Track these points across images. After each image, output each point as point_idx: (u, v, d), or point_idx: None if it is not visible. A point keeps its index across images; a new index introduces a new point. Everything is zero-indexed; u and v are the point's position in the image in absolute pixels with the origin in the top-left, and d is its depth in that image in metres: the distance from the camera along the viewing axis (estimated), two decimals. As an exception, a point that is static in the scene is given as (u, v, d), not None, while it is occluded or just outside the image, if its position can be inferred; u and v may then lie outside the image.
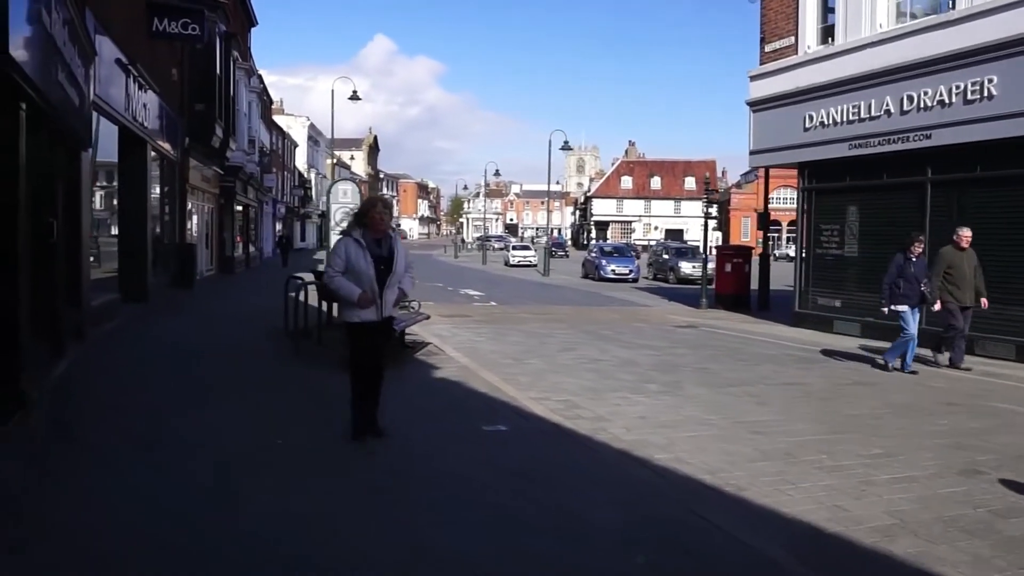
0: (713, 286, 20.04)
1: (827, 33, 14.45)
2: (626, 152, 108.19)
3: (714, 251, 20.57)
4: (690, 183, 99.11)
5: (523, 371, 9.10)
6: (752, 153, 16.27)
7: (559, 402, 7.34)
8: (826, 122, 14.07)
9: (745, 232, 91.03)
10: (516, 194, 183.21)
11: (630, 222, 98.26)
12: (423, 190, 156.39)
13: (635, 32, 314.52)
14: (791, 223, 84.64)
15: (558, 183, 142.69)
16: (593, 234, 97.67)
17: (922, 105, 12.19)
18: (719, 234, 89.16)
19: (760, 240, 21.58)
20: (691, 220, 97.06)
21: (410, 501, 4.48)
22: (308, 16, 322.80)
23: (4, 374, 5.75)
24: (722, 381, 8.80)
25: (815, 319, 14.72)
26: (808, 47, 14.70)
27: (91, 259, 11.02)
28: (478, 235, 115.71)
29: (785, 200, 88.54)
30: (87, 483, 4.70)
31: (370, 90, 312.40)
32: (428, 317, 10.78)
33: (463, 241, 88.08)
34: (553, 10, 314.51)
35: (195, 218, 23.56)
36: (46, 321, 8.01)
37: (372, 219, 5.66)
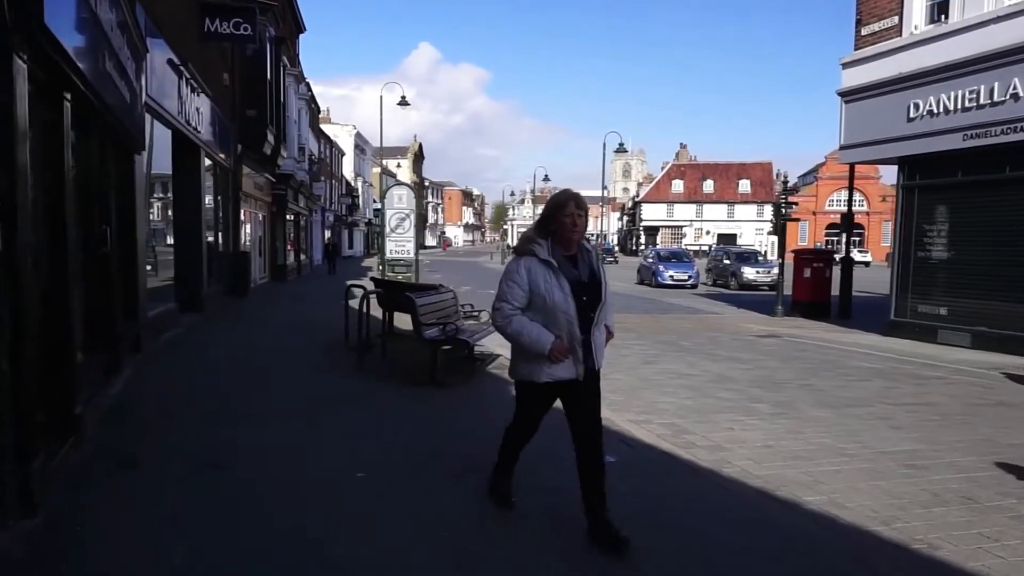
0: (790, 293, 18.82)
1: (938, 10, 13.24)
2: (677, 155, 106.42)
3: (791, 255, 19.32)
4: (744, 186, 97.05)
5: (611, 387, 8.17)
6: (843, 148, 15.08)
7: (663, 426, 6.41)
8: (935, 111, 12.87)
9: (803, 236, 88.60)
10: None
11: (681, 227, 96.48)
12: (467, 197, 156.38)
13: (680, 35, 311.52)
14: (855, 225, 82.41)
15: (606, 188, 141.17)
16: (642, 240, 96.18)
17: (1053, 87, 10.97)
18: (775, 238, 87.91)
19: (834, 244, 20.27)
20: (745, 224, 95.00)
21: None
22: (352, 26, 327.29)
23: (55, 397, 5.06)
24: (837, 400, 7.76)
25: (915, 328, 13.50)
26: (915, 27, 13.50)
27: (148, 268, 10.46)
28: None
29: (845, 202, 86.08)
30: (144, 524, 3.95)
31: (415, 99, 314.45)
32: (500, 328, 9.99)
33: (508, 247, 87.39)
34: (596, 15, 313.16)
35: (248, 226, 23.17)
36: (102, 335, 7.38)
37: (562, 225, 3.83)
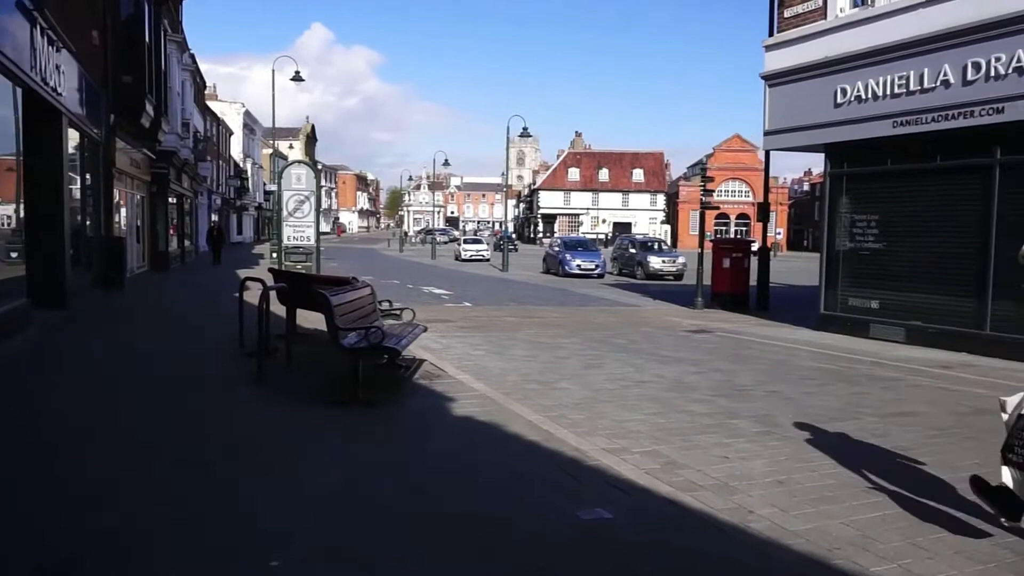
0: (695, 282, 18.23)
1: (865, -8, 12.75)
2: (572, 143, 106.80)
3: (709, 244, 18.77)
4: (638, 175, 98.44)
5: (562, 401, 7.02)
6: (767, 134, 14.47)
7: (647, 456, 5.29)
8: (863, 96, 12.34)
9: (693, 226, 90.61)
10: (457, 187, 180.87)
11: (577, 215, 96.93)
12: (362, 182, 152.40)
13: (575, 23, 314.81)
14: (740, 216, 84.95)
15: (502, 175, 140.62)
16: (540, 227, 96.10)
17: (992, 73, 10.51)
18: (667, 227, 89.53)
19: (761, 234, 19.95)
20: (639, 213, 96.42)
21: None
22: (241, 1, 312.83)
23: None
24: (816, 412, 6.88)
25: (846, 322, 13.03)
26: (841, 9, 12.95)
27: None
28: (419, 228, 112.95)
29: (733, 193, 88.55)
30: None
31: (308, 80, 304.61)
32: (426, 329, 8.62)
33: (406, 235, 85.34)
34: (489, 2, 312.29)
35: (124, 209, 20.71)
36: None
37: None
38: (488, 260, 41.90)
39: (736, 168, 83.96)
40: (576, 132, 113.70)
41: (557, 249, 33.40)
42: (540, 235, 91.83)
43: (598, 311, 16.61)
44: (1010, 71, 10.33)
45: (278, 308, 9.48)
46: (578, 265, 30.75)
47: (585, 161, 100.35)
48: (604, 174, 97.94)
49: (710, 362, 9.75)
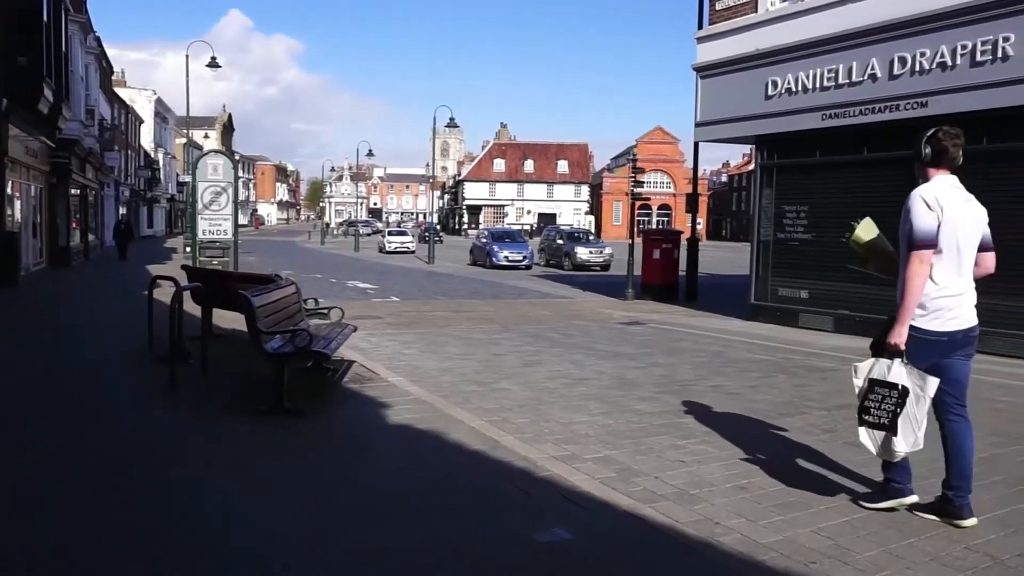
0: (623, 273, 18.19)
1: (794, -12, 12.77)
2: (497, 134, 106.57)
3: (640, 235, 18.73)
4: (563, 166, 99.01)
5: (504, 404, 6.65)
6: (699, 125, 14.42)
7: (600, 463, 4.97)
8: (794, 89, 12.37)
9: (617, 216, 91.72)
10: (380, 178, 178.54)
11: (503, 206, 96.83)
12: (282, 173, 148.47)
13: (499, 13, 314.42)
14: (662, 207, 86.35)
15: (427, 166, 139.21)
16: (465, 219, 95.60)
17: (917, 68, 10.65)
18: (592, 218, 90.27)
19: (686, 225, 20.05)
20: (564, 204, 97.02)
21: None
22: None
23: None
24: (767, 409, 6.71)
25: (776, 312, 13.11)
26: (772, 3, 12.96)
27: None
28: (341, 220, 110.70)
29: (655, 184, 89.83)
30: None
31: (225, 68, 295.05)
32: (356, 329, 8.11)
33: (327, 226, 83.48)
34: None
35: (19, 201, 19.29)
36: None
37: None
38: (413, 252, 41.23)
39: (658, 160, 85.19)
40: (501, 123, 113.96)
41: (484, 240, 33.06)
42: (465, 226, 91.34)
43: (530, 304, 16.34)
44: (934, 66, 10.46)
45: (193, 307, 8.82)
46: (506, 256, 30.51)
47: (510, 152, 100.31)
48: (529, 165, 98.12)
49: (648, 356, 9.55)
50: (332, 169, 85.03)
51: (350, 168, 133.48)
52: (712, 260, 33.06)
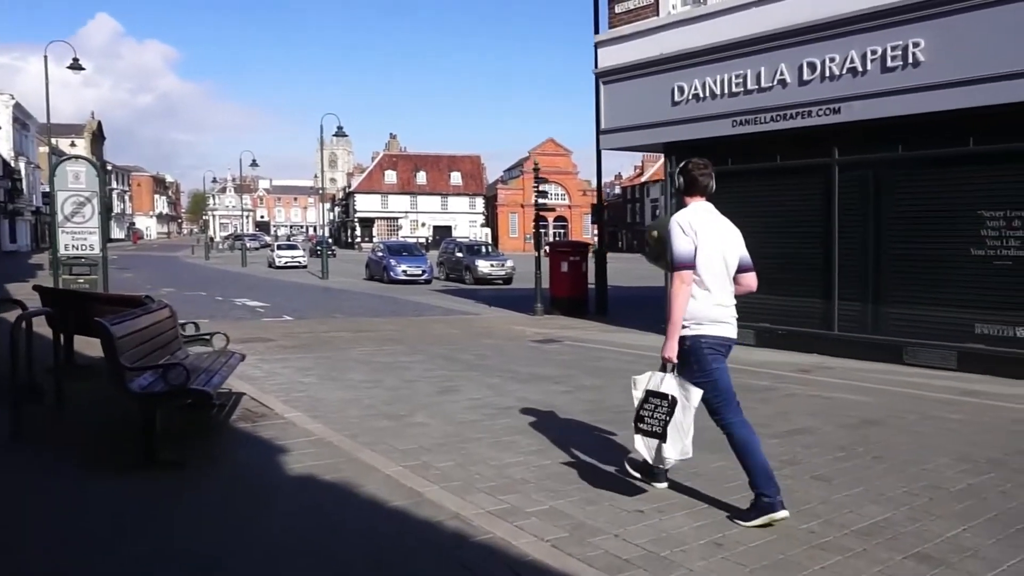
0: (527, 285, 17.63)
1: (695, -10, 12.50)
2: (387, 145, 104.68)
3: (547, 248, 18.18)
4: (456, 178, 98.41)
5: (422, 443, 5.78)
6: (603, 133, 13.97)
7: (544, 517, 4.18)
8: (702, 95, 12.06)
9: (513, 229, 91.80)
10: (266, 189, 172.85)
11: (396, 218, 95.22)
12: (160, 184, 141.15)
13: (387, 20, 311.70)
14: (558, 219, 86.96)
15: (315, 177, 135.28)
16: (358, 232, 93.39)
17: (828, 74, 10.48)
18: (488, 230, 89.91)
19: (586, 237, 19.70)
20: (459, 216, 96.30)
21: None
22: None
23: None
24: (718, 439, 6.11)
25: (691, 324, 12.73)
26: (673, 6, 12.64)
27: None
28: (227, 234, 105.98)
29: (550, 196, 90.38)
30: None
31: (93, 74, 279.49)
32: (244, 358, 7.03)
33: (212, 240, 79.63)
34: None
35: None
36: None
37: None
38: (306, 267, 39.52)
39: (551, 171, 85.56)
40: (391, 134, 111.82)
41: (381, 254, 31.92)
42: (358, 239, 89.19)
43: (436, 321, 15.45)
44: (844, 72, 10.32)
45: (49, 333, 7.50)
46: (404, 271, 29.52)
47: (402, 164, 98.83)
48: (422, 177, 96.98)
49: (572, 378, 8.88)
50: (214, 180, 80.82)
51: (234, 180, 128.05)
52: (614, 272, 33.00)
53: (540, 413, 6.86)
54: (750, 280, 4.52)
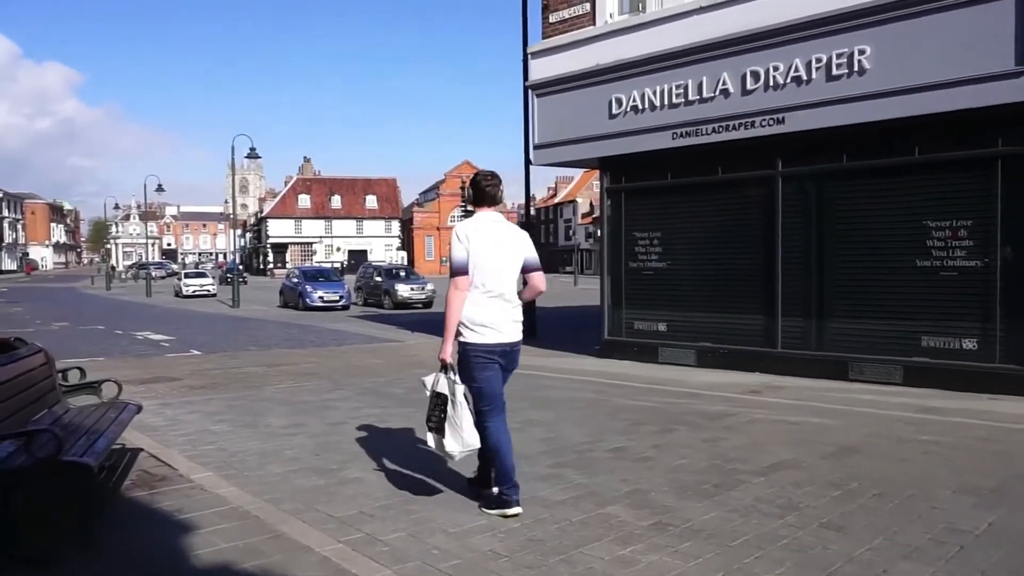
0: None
1: None
2: (301, 168, 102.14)
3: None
4: (371, 201, 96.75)
5: (363, 506, 4.81)
6: (537, 147, 13.30)
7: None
8: (640, 107, 11.54)
9: (429, 251, 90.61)
10: (173, 216, 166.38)
11: (310, 243, 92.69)
12: (57, 212, 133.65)
13: (298, 43, 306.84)
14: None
15: (225, 203, 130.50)
16: (271, 258, 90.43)
17: (771, 83, 10.10)
18: (404, 254, 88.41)
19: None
20: (375, 240, 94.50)
21: None
22: None
23: None
24: (695, 480, 5.40)
25: (633, 348, 12.13)
26: (610, 15, 12.12)
27: None
28: (131, 263, 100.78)
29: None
30: None
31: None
32: (140, 409, 5.89)
33: (114, 269, 75.54)
34: (203, 18, 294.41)
35: None
36: None
37: None
38: (215, 295, 37.51)
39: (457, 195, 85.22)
40: (305, 157, 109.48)
41: (296, 280, 30.48)
42: (271, 266, 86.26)
43: (359, 351, 14.35)
44: (788, 80, 9.95)
45: None
46: (320, 297, 28.21)
47: (316, 187, 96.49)
48: (336, 201, 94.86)
49: (519, 411, 8.00)
50: (116, 207, 76.65)
51: (139, 206, 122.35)
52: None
53: (493, 458, 5.99)
54: (536, 281, 4.69)
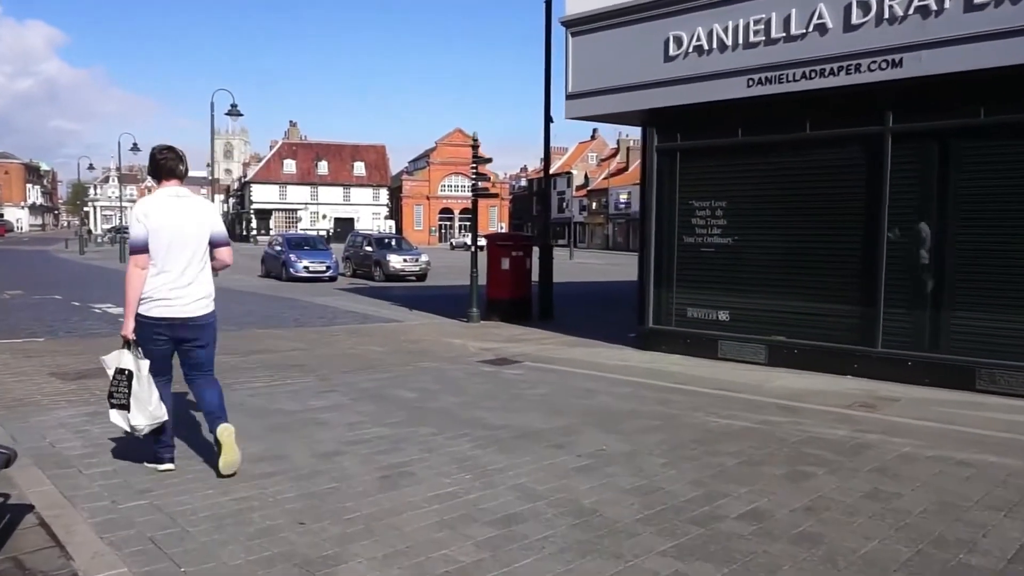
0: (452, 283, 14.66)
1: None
2: (287, 133, 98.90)
3: (484, 241, 15.17)
4: (360, 168, 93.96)
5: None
6: (571, 97, 11.00)
7: None
8: (706, 47, 9.31)
9: (418, 221, 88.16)
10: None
11: (295, 210, 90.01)
12: (33, 173, 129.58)
13: (288, 7, 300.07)
14: (464, 211, 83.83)
15: (208, 167, 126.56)
16: (254, 224, 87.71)
17: (886, 16, 7.89)
18: (392, 223, 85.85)
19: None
20: (362, 208, 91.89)
21: None
22: None
23: None
24: (880, 562, 3.34)
25: (685, 339, 10.07)
26: (674, -69, 9.87)
27: None
28: (110, 226, 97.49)
29: (455, 188, 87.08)
30: None
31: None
32: (33, 507, 3.68)
33: (90, 233, 72.68)
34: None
35: None
36: None
37: None
38: (192, 263, 35.06)
39: (458, 163, 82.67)
40: (291, 122, 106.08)
41: (279, 248, 28.22)
42: (254, 232, 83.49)
43: (351, 334, 12.17)
44: (911, 11, 7.77)
45: None
46: (306, 267, 25.99)
47: (302, 153, 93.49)
48: (323, 167, 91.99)
49: (575, 433, 5.94)
50: (91, 167, 73.32)
51: (119, 169, 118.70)
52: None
53: (577, 536, 3.89)
54: (223, 255, 4.82)
